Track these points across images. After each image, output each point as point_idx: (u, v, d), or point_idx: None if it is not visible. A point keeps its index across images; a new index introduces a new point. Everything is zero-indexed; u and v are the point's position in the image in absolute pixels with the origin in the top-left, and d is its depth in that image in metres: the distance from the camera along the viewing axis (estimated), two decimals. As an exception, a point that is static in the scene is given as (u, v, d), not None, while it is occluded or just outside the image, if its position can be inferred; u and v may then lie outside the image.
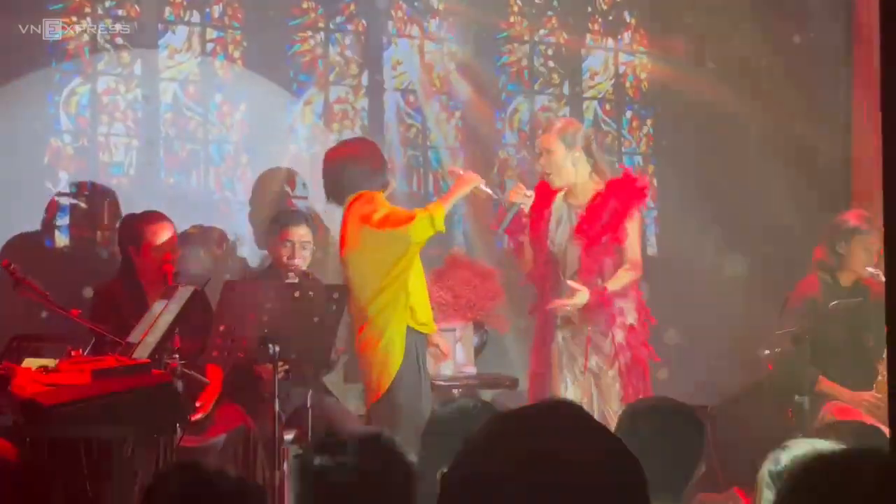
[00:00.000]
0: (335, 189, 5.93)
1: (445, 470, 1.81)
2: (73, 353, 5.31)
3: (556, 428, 1.78)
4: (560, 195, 5.95)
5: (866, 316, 6.47)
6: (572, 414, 1.82)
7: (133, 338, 5.41)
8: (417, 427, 5.01)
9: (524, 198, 5.93)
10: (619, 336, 5.83)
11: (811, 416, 6.27)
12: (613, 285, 5.79)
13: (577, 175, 5.88)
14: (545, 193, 5.97)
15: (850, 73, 8.42)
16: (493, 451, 1.76)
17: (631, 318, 5.86)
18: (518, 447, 1.75)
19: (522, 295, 7.58)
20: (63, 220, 6.88)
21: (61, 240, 6.90)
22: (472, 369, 7.08)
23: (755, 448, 5.94)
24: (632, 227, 5.88)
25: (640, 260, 5.91)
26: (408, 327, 5.79)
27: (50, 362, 5.18)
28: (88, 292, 6.28)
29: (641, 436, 3.48)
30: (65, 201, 6.92)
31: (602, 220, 5.84)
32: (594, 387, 5.85)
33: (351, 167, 5.88)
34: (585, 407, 5.45)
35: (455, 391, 6.77)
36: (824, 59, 8.47)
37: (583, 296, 5.72)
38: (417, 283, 5.83)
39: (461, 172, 5.96)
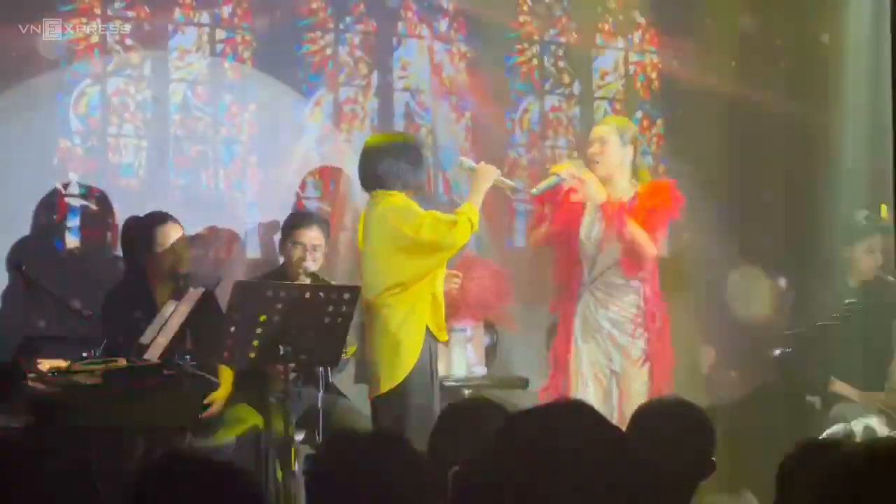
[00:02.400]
0: (368, 178, 5.89)
1: (457, 468, 1.81)
2: (84, 355, 5.33)
3: (568, 428, 1.79)
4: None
5: (876, 317, 6.47)
6: (583, 414, 1.83)
7: (144, 339, 5.47)
8: (426, 427, 5.13)
9: (570, 177, 5.96)
10: (652, 338, 5.91)
11: (822, 416, 6.30)
12: (633, 229, 5.87)
13: (620, 170, 5.96)
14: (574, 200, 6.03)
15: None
16: (506, 451, 1.77)
17: (659, 321, 5.94)
18: (530, 447, 1.76)
19: (533, 295, 7.49)
20: (73, 222, 6.93)
21: (71, 241, 6.94)
22: (482, 369, 7.07)
23: (766, 448, 5.88)
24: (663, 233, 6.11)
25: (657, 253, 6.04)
26: (427, 328, 5.75)
27: (62, 364, 5.23)
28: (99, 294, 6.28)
29: (652, 436, 3.48)
30: (75, 202, 6.95)
31: (641, 220, 5.91)
32: (616, 387, 5.88)
33: (389, 159, 5.83)
34: (606, 406, 5.67)
35: (466, 391, 6.77)
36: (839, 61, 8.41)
37: (601, 192, 5.87)
38: (441, 289, 5.82)
39: (475, 166, 5.93)
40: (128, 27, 7.04)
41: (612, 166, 5.95)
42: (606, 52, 8.27)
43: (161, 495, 2.54)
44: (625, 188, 5.98)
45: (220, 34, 7.29)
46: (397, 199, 5.76)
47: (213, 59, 7.27)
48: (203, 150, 7.25)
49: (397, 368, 5.70)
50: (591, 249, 5.95)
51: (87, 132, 7.01)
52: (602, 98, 8.28)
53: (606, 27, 8.26)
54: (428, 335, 5.75)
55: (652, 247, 5.96)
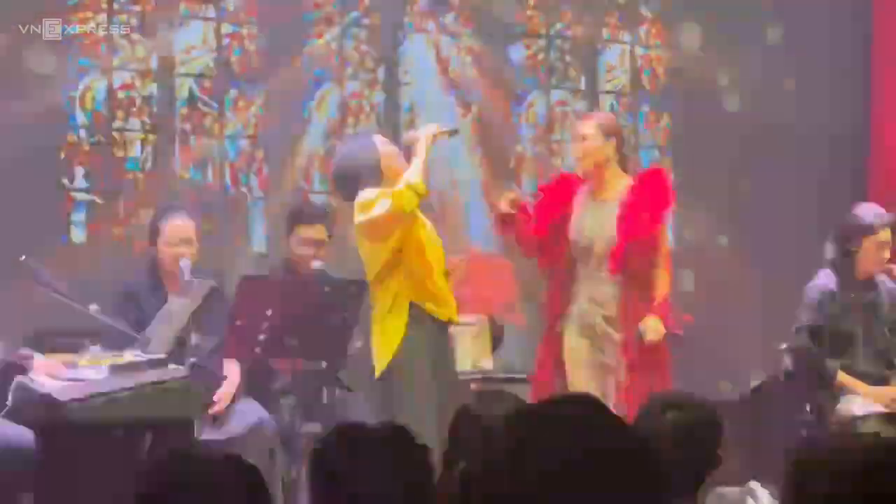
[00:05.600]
0: (339, 190, 5.80)
1: (465, 465, 1.81)
2: (91, 349, 5.32)
3: (576, 424, 1.79)
4: (585, 189, 6.01)
5: (882, 311, 6.44)
6: (592, 410, 1.84)
7: (150, 333, 5.43)
8: (418, 414, 5.20)
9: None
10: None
11: (829, 411, 6.25)
12: (664, 288, 5.90)
13: (604, 165, 5.93)
14: (566, 186, 6.08)
15: (868, 67, 8.49)
16: (513, 447, 1.77)
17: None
18: (538, 443, 1.76)
19: (538, 289, 7.50)
20: (79, 216, 6.97)
21: (77, 236, 6.99)
22: (488, 363, 7.07)
23: (773, 442, 5.82)
24: (665, 228, 6.02)
25: (670, 257, 6.05)
26: (414, 307, 5.60)
27: (69, 357, 5.23)
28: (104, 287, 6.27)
29: (659, 431, 3.49)
30: (81, 197, 7.00)
31: (640, 218, 5.89)
32: (612, 382, 5.87)
33: (343, 170, 5.70)
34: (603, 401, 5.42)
35: (472, 385, 6.75)
36: (843, 52, 8.51)
37: (659, 324, 5.82)
38: (424, 262, 5.63)
39: (415, 131, 5.84)
40: (133, 21, 7.07)
41: (595, 161, 5.92)
42: (612, 47, 8.37)
43: (166, 492, 2.50)
44: (614, 186, 5.95)
45: (227, 28, 7.34)
46: (362, 195, 5.61)
47: (219, 53, 7.31)
48: (209, 143, 7.30)
49: (384, 352, 5.65)
50: (587, 246, 5.94)
51: (93, 127, 7.02)
52: (608, 92, 8.37)
53: (612, 21, 8.35)
54: (417, 312, 5.60)
55: (669, 268, 5.98)
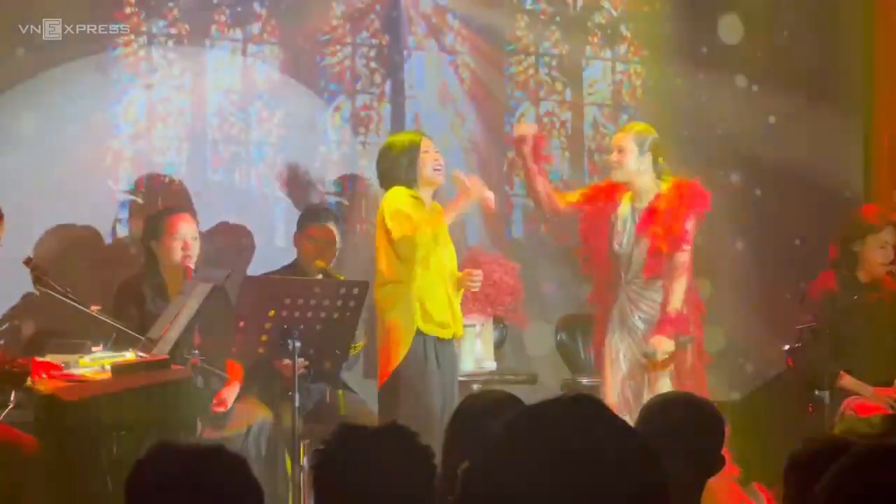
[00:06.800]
0: (378, 176, 6.03)
1: (467, 464, 1.82)
2: (93, 349, 5.35)
3: (578, 424, 1.77)
4: (626, 199, 6.06)
5: (885, 312, 6.46)
6: (594, 410, 1.80)
7: (153, 333, 5.39)
8: (420, 416, 5.43)
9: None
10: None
11: (831, 412, 6.29)
12: (677, 302, 5.86)
13: (640, 176, 5.97)
14: (610, 193, 6.15)
15: (871, 65, 8.39)
16: (513, 447, 1.76)
17: (690, 323, 5.97)
18: (538, 443, 1.75)
19: (542, 290, 7.84)
20: (123, 214, 7.35)
21: (121, 230, 7.32)
22: (491, 364, 7.04)
23: (775, 443, 5.73)
24: (692, 229, 5.96)
25: (689, 263, 5.95)
26: (417, 328, 5.75)
27: (71, 358, 5.23)
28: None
29: (661, 430, 3.44)
30: (123, 197, 7.32)
31: (663, 219, 5.88)
32: (647, 380, 5.89)
33: (385, 157, 5.94)
34: (640, 401, 5.54)
35: (474, 386, 6.65)
36: (841, 52, 8.48)
37: (669, 344, 5.80)
38: (430, 285, 5.80)
39: (465, 180, 5.93)
40: (170, 43, 7.34)
41: (630, 174, 5.96)
42: (595, 63, 8.45)
43: (155, 487, 2.48)
44: (649, 195, 5.96)
45: (252, 48, 7.57)
46: (394, 193, 5.82)
47: (245, 71, 7.55)
48: (237, 150, 7.55)
49: (389, 361, 5.74)
50: (626, 254, 5.96)
51: (136, 135, 7.31)
52: (591, 104, 8.46)
53: (595, 40, 8.45)
54: (424, 335, 5.77)
55: (685, 273, 5.85)
